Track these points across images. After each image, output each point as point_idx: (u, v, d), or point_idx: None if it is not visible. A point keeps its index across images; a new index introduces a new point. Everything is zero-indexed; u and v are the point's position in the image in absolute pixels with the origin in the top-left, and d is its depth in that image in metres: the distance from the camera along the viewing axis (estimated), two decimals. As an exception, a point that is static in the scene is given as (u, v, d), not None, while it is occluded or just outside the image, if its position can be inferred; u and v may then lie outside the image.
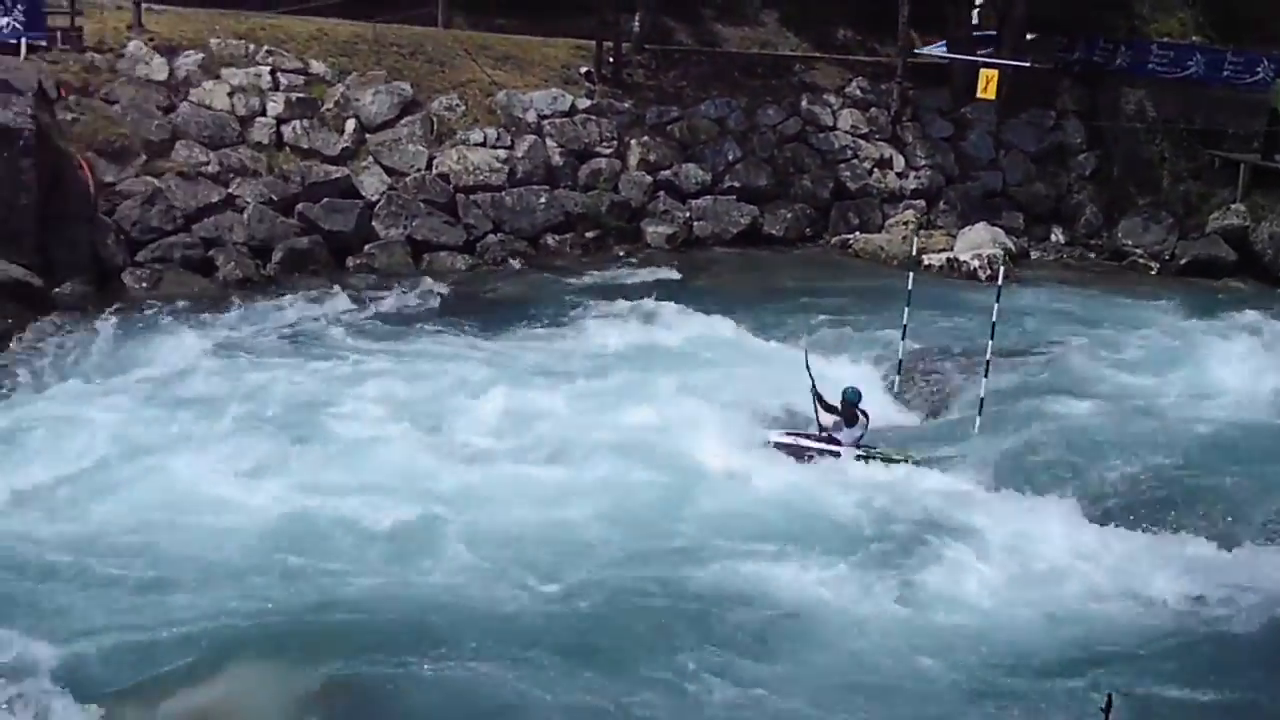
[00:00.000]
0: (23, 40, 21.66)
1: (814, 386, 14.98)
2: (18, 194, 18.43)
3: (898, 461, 14.67)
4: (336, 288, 20.65)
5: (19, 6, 21.55)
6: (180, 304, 19.10)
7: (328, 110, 23.29)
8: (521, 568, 11.91)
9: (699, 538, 12.74)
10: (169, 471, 13.27)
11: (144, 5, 23.38)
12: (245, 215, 21.37)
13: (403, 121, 23.71)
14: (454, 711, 9.99)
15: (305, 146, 22.69)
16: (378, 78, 24.09)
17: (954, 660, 10.95)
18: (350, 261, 21.99)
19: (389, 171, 23.02)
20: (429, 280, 21.47)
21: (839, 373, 16.24)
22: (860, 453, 14.68)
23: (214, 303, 19.31)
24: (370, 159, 23.07)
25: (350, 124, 23.21)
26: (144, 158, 21.10)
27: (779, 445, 14.87)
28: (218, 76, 22.80)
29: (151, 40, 22.82)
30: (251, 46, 23.59)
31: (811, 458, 14.63)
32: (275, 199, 21.76)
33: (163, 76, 22.40)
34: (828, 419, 14.93)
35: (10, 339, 17.02)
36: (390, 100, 23.79)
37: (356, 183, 22.62)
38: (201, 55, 22.92)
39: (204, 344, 17.30)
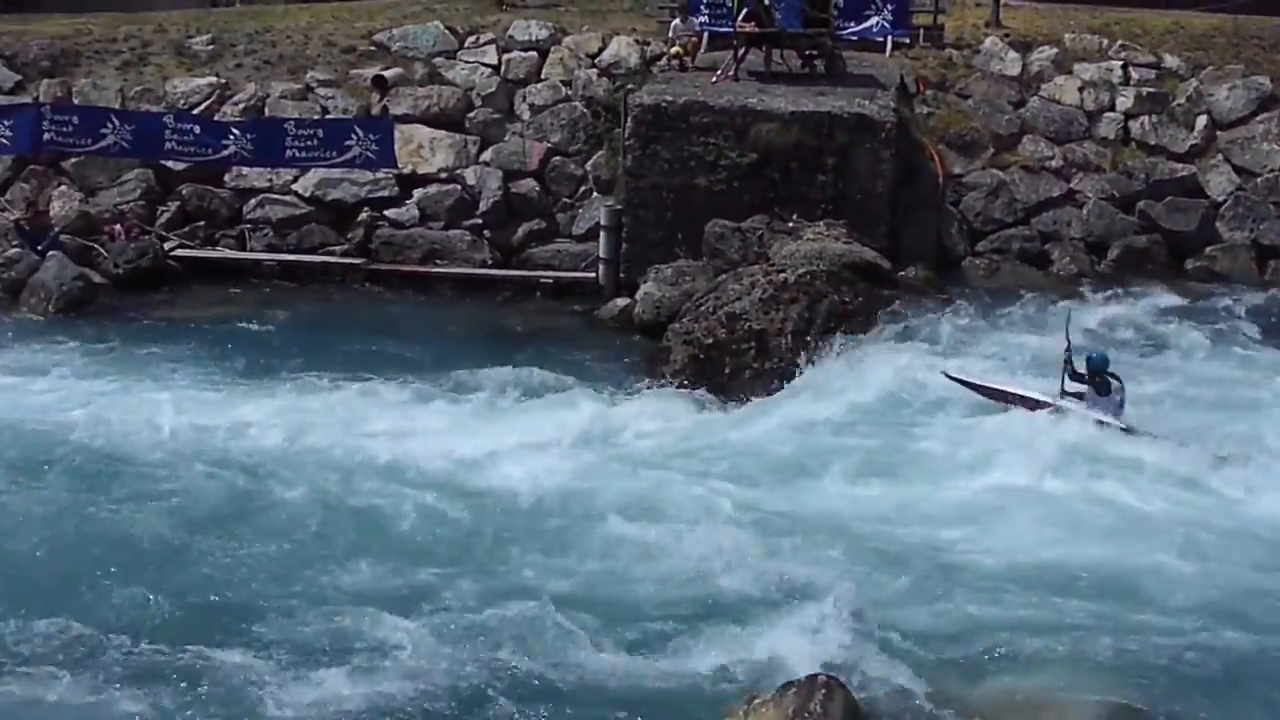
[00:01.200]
0: (889, 38, 23.39)
1: (1069, 349, 14.61)
2: (875, 182, 19.76)
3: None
4: (1169, 290, 19.96)
5: (888, 6, 23.32)
6: (1014, 295, 19.36)
7: (1178, 105, 22.62)
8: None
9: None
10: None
11: (1002, 2, 24.20)
12: (1084, 211, 21.44)
13: (1258, 118, 22.47)
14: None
15: (1152, 143, 22.24)
16: (1234, 72, 23.02)
17: None
18: (1188, 264, 21.28)
19: (1238, 171, 21.96)
20: (1274, 290, 20.22)
21: None
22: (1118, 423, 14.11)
23: (1047, 296, 19.31)
24: (1219, 157, 22.09)
25: (1201, 120, 22.37)
26: (991, 151, 21.86)
27: (959, 381, 14.90)
28: (1069, 71, 23.02)
29: (1007, 36, 23.58)
30: (1105, 41, 23.57)
31: (1006, 407, 14.52)
32: (1116, 195, 21.59)
33: (1015, 72, 23.05)
34: (1075, 387, 14.50)
35: (859, 315, 18.36)
36: (1246, 96, 22.63)
37: (1202, 181, 21.83)
38: (1055, 50, 23.28)
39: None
